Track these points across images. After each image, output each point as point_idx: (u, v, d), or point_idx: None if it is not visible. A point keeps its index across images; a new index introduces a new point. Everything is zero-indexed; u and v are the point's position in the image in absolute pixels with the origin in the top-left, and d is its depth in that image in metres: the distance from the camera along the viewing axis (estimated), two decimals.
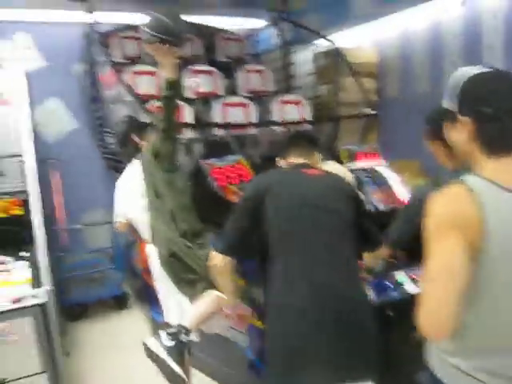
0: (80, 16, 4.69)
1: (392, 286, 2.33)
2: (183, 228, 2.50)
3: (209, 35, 5.43)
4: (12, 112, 3.94)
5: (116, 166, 4.28)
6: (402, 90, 5.06)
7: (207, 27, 5.53)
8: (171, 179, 2.57)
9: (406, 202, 2.97)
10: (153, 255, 2.62)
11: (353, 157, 3.38)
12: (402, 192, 3.06)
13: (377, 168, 3.25)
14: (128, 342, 3.63)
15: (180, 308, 2.55)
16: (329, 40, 4.49)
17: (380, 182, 3.10)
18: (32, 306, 2.47)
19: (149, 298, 3.61)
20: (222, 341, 2.83)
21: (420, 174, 4.69)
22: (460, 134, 1.33)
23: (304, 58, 5.21)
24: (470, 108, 1.29)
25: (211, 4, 5.17)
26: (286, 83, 5.32)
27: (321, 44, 4.93)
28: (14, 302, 2.50)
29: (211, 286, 2.37)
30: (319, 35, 4.62)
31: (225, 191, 2.77)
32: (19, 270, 3.08)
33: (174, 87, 2.46)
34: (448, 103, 1.35)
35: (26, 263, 3.18)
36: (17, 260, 3.26)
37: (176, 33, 2.36)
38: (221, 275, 2.10)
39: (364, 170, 3.22)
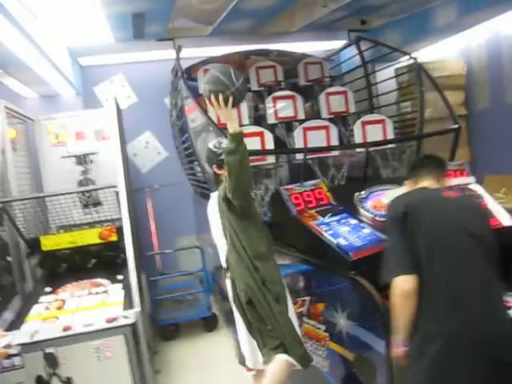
0: (167, 53, 5.07)
1: None
2: (263, 276, 2.45)
3: (291, 61, 5.55)
4: (111, 146, 4.33)
5: (204, 193, 4.48)
6: (493, 100, 4.79)
7: (288, 53, 5.66)
8: (245, 227, 2.50)
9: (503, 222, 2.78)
10: (230, 290, 2.65)
11: None
12: (497, 210, 2.86)
13: (466, 186, 3.09)
14: (215, 362, 3.72)
15: (251, 348, 2.58)
16: (409, 54, 4.37)
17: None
18: (123, 325, 2.64)
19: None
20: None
21: None
22: None
23: (386, 76, 5.12)
24: None
25: (291, 30, 5.28)
26: (369, 102, 5.25)
27: (403, 60, 4.82)
28: (108, 321, 2.70)
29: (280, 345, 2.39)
30: (399, 51, 4.51)
31: (303, 216, 2.79)
32: (115, 292, 3.32)
33: (238, 140, 2.28)
34: None
35: (120, 286, 3.41)
36: (113, 283, 3.52)
37: (224, 82, 2.28)
38: (408, 299, 1.88)
39: (450, 188, 3.05)
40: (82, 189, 4.36)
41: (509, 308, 2.00)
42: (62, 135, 4.63)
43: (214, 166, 2.71)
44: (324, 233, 2.59)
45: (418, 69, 4.33)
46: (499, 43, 4.59)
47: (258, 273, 2.46)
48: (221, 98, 2.24)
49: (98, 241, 3.82)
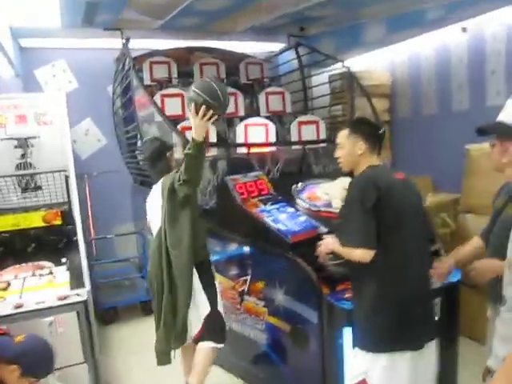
0: (113, 42, 5.13)
1: None
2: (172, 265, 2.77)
3: (232, 60, 5.81)
4: (53, 131, 4.36)
5: (143, 181, 4.65)
6: (412, 110, 5.37)
7: (231, 52, 5.92)
8: (178, 216, 2.73)
9: None
10: None
11: None
12: None
13: None
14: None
15: None
16: (342, 62, 4.81)
17: None
18: (76, 302, 2.79)
19: None
20: (247, 342, 3.11)
21: (431, 189, 4.96)
22: None
23: (320, 81, 5.53)
24: None
25: (235, 31, 5.53)
26: (304, 104, 5.64)
27: (336, 67, 5.25)
28: (60, 299, 2.83)
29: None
30: (334, 59, 4.94)
31: (246, 204, 3.09)
32: (60, 274, 3.42)
33: (200, 148, 2.52)
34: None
35: (65, 267, 3.51)
36: (57, 266, 3.61)
37: (220, 100, 2.49)
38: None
39: None
40: (29, 172, 4.35)
41: None
42: (1, 117, 4.58)
43: (167, 153, 2.93)
44: (266, 219, 2.91)
45: (350, 77, 4.78)
46: (419, 62, 5.16)
47: (167, 262, 2.75)
48: (209, 112, 2.46)
49: (41, 224, 3.88)
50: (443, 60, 4.82)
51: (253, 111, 5.37)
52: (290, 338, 2.73)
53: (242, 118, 4.79)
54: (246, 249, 3.02)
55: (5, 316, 2.69)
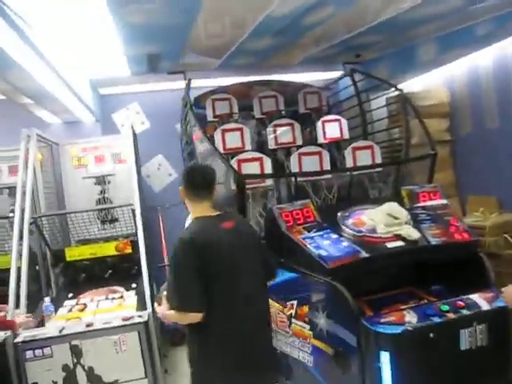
0: (178, 84, 5.60)
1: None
2: None
3: (291, 90, 6.05)
4: (127, 168, 4.82)
5: None
6: (475, 126, 5.24)
7: (289, 83, 6.17)
8: None
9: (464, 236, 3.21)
10: None
11: (414, 196, 3.67)
12: (460, 228, 3.29)
13: (435, 206, 3.52)
14: None
15: None
16: (395, 86, 4.86)
17: (438, 218, 3.35)
18: (137, 323, 3.09)
19: None
20: (290, 360, 3.24)
21: (496, 209, 4.80)
22: None
23: (378, 104, 5.59)
24: None
25: (290, 64, 5.80)
26: (362, 129, 5.72)
27: (392, 90, 5.30)
28: (124, 319, 3.15)
29: None
30: (387, 83, 5.00)
31: (291, 231, 3.25)
32: (129, 297, 3.78)
33: None
34: None
35: (134, 292, 3.87)
36: (128, 290, 3.98)
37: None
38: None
39: (423, 208, 3.50)
40: (103, 206, 4.86)
41: None
42: (83, 158, 5.16)
43: None
44: (308, 245, 3.04)
45: (403, 100, 4.81)
46: (478, 74, 5.05)
47: None
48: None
49: (114, 253, 4.29)
50: (502, 70, 4.71)
51: (312, 140, 5.54)
52: (333, 360, 2.81)
53: (298, 147, 4.98)
54: (293, 274, 3.16)
55: (78, 333, 3.06)
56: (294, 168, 4.47)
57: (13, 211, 3.88)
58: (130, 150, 4.41)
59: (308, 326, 3.03)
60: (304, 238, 3.12)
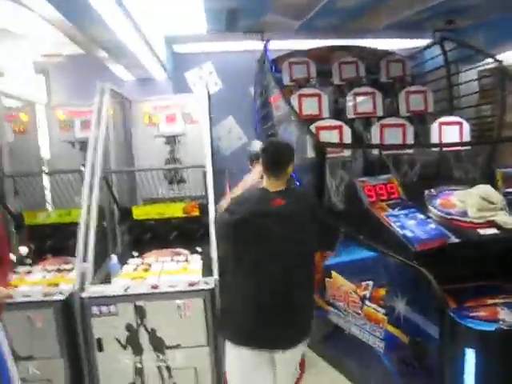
0: (254, 44, 5.37)
1: None
2: None
3: (373, 57, 5.67)
4: (198, 129, 4.69)
5: None
6: None
7: (371, 50, 5.77)
8: None
9: None
10: None
11: (510, 180, 3.30)
12: None
13: None
14: None
15: None
16: (493, 57, 4.38)
17: None
18: (203, 289, 2.99)
19: None
20: (359, 343, 3.04)
21: None
22: None
23: (468, 78, 5.11)
24: None
25: (375, 28, 5.39)
26: (449, 103, 5.27)
27: (487, 62, 4.80)
28: (191, 284, 3.06)
29: None
30: (484, 53, 4.52)
31: (374, 207, 3.00)
32: (194, 261, 3.69)
33: None
34: None
35: (199, 257, 3.78)
36: (192, 254, 3.89)
37: None
38: None
39: None
40: (174, 166, 4.79)
41: None
42: (154, 116, 5.08)
43: None
44: (392, 224, 2.80)
45: (501, 72, 4.33)
46: None
47: None
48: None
49: (181, 214, 4.21)
50: None
51: (393, 111, 5.18)
52: (408, 349, 2.60)
53: (379, 118, 4.66)
54: (371, 253, 2.93)
55: (143, 294, 3.00)
56: (375, 140, 4.19)
57: (84, 165, 3.87)
58: (205, 110, 4.25)
59: (383, 310, 2.82)
60: (388, 216, 2.88)
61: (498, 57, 4.47)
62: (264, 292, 2.21)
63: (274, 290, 2.21)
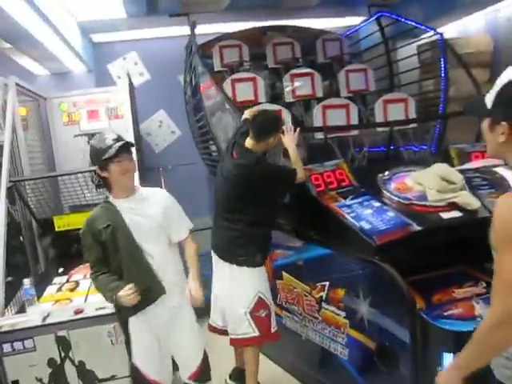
0: (182, 30, 4.91)
1: None
2: None
3: (308, 37, 5.36)
4: (125, 125, 4.21)
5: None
6: None
7: (306, 29, 5.47)
8: None
9: None
10: None
11: (465, 157, 3.08)
12: None
13: (493, 168, 2.91)
14: None
15: None
16: (434, 30, 4.18)
17: (497, 183, 2.76)
18: None
19: None
20: (318, 350, 2.73)
21: None
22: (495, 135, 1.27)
23: (407, 53, 4.91)
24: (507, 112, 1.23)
25: (309, 5, 5.08)
26: (389, 81, 5.06)
27: (425, 37, 4.61)
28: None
29: None
30: (423, 26, 4.32)
31: (323, 197, 2.67)
32: None
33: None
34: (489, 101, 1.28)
35: None
36: None
37: None
38: None
39: (477, 170, 2.89)
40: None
41: None
42: (74, 114, 4.53)
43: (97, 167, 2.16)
44: (346, 215, 2.47)
45: (443, 45, 4.14)
46: None
47: None
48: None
49: None
50: None
51: (332, 92, 4.89)
52: (375, 356, 2.29)
53: (319, 100, 4.35)
54: (325, 250, 2.61)
55: (65, 322, 2.53)
56: (317, 123, 3.86)
57: None
58: (126, 103, 3.78)
59: (343, 313, 2.50)
60: (340, 207, 2.54)
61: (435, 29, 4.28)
62: None
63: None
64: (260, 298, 2.66)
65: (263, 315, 2.65)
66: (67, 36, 4.10)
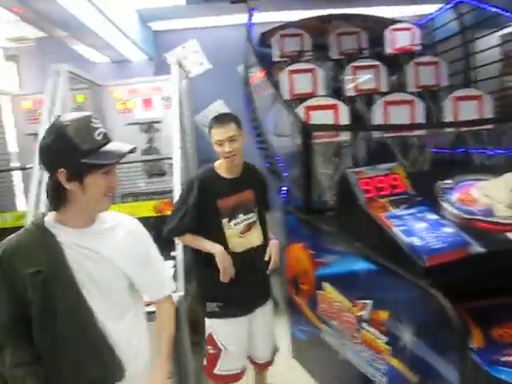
0: (242, 17, 4.72)
1: None
2: None
3: (376, 27, 4.99)
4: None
5: (271, 169, 4.10)
6: None
7: (374, 18, 5.10)
8: None
9: None
10: None
11: None
12: None
13: None
14: None
15: None
16: None
17: None
18: None
19: (292, 312, 3.38)
20: (355, 372, 2.46)
21: None
22: None
23: (488, 44, 4.41)
24: None
25: None
26: (465, 75, 4.59)
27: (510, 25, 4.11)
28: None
29: None
30: (508, 13, 3.83)
31: (371, 205, 2.37)
32: (167, 269, 3.12)
33: None
34: None
35: (172, 263, 3.21)
36: (166, 259, 3.32)
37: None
38: None
39: None
40: (142, 159, 4.23)
41: None
42: (129, 102, 4.50)
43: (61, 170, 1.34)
44: (394, 228, 2.16)
45: None
46: None
47: None
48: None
49: (153, 214, 3.65)
50: None
51: (400, 87, 4.51)
52: None
53: (384, 95, 4.01)
54: (369, 265, 2.32)
55: None
56: (378, 120, 3.55)
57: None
58: (175, 91, 3.66)
59: (385, 338, 2.20)
60: (389, 217, 2.23)
61: None
62: None
63: None
64: (210, 334, 2.52)
65: (210, 352, 2.52)
66: (123, 25, 4.05)
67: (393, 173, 2.57)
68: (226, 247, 2.43)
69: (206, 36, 5.39)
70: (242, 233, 2.47)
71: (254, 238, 2.51)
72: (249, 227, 2.49)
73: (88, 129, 1.36)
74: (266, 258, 2.50)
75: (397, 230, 2.14)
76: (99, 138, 1.37)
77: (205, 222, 2.44)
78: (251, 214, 2.49)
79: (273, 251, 2.52)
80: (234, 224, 2.45)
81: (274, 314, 2.82)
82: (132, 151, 1.43)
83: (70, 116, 1.38)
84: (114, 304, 1.46)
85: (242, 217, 2.47)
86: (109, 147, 1.38)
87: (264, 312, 2.63)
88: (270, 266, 2.52)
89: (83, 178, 1.34)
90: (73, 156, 1.31)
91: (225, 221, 2.44)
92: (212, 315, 2.50)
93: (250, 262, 2.47)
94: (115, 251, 1.45)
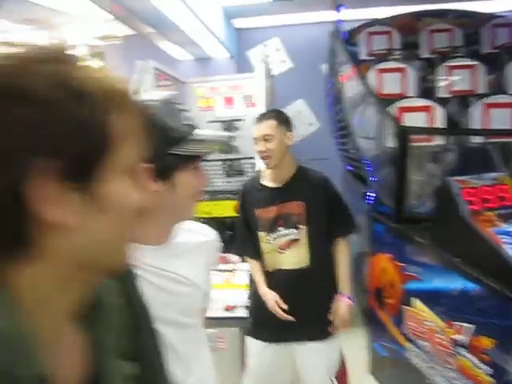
0: (328, 15, 4.57)
1: None
2: None
3: (473, 23, 4.64)
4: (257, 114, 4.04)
5: (355, 173, 3.91)
6: None
7: (470, 14, 4.75)
8: None
9: None
10: None
11: None
12: None
13: None
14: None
15: None
16: None
17: None
18: (242, 317, 2.34)
19: (373, 325, 3.19)
20: None
21: None
22: None
23: None
24: None
25: None
26: None
27: None
28: (227, 309, 2.43)
29: None
30: None
31: (476, 218, 2.15)
32: (241, 272, 3.04)
33: None
34: None
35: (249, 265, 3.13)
36: (243, 261, 3.25)
37: None
38: None
39: None
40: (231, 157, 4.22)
41: None
42: (211, 99, 4.50)
43: None
44: (505, 245, 1.94)
45: None
46: None
47: None
48: None
49: (232, 214, 3.60)
50: None
51: (500, 89, 4.16)
52: None
53: (481, 97, 3.71)
54: (470, 284, 2.10)
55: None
56: (476, 124, 3.26)
57: None
58: (261, 90, 3.59)
59: (487, 368, 1.97)
60: (499, 233, 2.01)
61: None
62: None
63: None
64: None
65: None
66: (209, 22, 4.04)
67: (500, 183, 2.33)
68: (263, 264, 2.19)
69: (288, 34, 5.30)
70: (280, 248, 2.14)
71: (293, 258, 2.14)
72: (288, 244, 2.13)
73: (173, 108, 1.06)
74: (330, 318, 2.15)
75: (508, 248, 1.91)
76: (183, 125, 1.06)
77: (253, 236, 2.20)
78: (293, 230, 2.12)
79: (340, 311, 2.15)
80: (273, 238, 2.14)
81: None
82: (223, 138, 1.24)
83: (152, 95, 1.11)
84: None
85: (282, 230, 2.13)
86: (198, 135, 1.08)
87: (312, 353, 2.15)
88: (335, 329, 2.16)
89: (171, 174, 1.02)
90: (172, 141, 1.00)
91: (262, 234, 2.15)
92: (245, 331, 2.28)
93: (286, 284, 2.14)
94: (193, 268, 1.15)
